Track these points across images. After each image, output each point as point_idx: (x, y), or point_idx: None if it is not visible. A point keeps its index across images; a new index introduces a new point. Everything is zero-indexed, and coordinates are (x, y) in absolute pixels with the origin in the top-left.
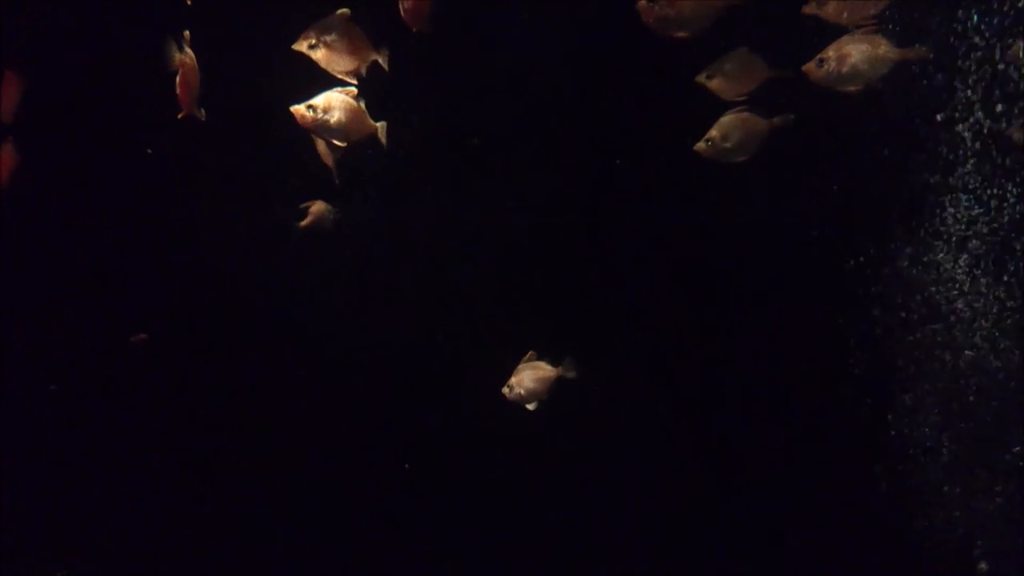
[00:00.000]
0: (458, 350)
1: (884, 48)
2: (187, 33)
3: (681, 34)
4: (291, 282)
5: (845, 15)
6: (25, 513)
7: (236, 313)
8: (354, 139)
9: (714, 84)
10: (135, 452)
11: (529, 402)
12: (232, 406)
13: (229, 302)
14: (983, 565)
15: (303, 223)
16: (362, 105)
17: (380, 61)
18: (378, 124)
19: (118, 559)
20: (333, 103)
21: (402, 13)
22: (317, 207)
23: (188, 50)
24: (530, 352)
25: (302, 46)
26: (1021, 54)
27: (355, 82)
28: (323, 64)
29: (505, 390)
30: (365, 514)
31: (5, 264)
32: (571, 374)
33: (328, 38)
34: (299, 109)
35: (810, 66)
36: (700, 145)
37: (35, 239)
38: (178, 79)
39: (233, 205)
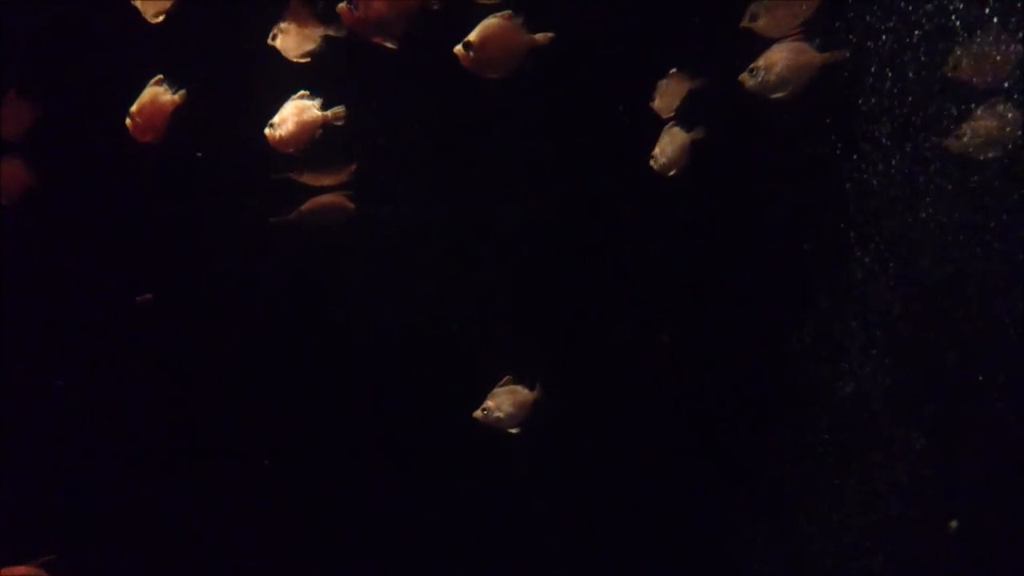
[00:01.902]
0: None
1: (807, 55)
2: (160, 76)
3: (493, 75)
4: (296, 276)
5: (776, 26)
6: (17, 497)
7: (235, 308)
8: (307, 140)
9: (657, 104)
10: (129, 440)
11: (508, 426)
12: (230, 401)
13: (230, 298)
14: (954, 523)
15: (292, 215)
16: (310, 103)
17: (332, 33)
18: (329, 112)
19: (110, 544)
20: (285, 114)
21: (345, 18)
22: (321, 200)
23: (163, 87)
24: (507, 376)
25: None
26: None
27: (308, 60)
28: (283, 52)
29: (480, 413)
30: (361, 512)
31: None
32: (544, 396)
33: (283, 25)
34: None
35: (744, 76)
36: (651, 162)
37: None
38: (134, 109)
39: (244, 200)
